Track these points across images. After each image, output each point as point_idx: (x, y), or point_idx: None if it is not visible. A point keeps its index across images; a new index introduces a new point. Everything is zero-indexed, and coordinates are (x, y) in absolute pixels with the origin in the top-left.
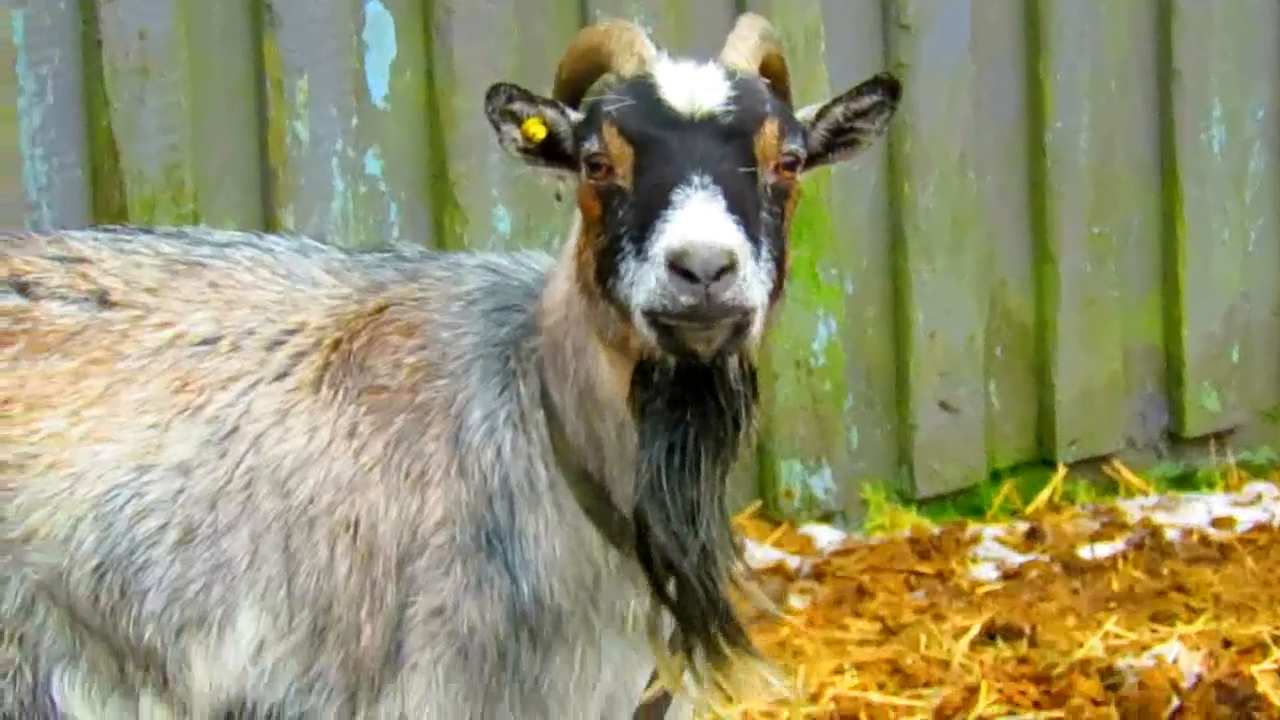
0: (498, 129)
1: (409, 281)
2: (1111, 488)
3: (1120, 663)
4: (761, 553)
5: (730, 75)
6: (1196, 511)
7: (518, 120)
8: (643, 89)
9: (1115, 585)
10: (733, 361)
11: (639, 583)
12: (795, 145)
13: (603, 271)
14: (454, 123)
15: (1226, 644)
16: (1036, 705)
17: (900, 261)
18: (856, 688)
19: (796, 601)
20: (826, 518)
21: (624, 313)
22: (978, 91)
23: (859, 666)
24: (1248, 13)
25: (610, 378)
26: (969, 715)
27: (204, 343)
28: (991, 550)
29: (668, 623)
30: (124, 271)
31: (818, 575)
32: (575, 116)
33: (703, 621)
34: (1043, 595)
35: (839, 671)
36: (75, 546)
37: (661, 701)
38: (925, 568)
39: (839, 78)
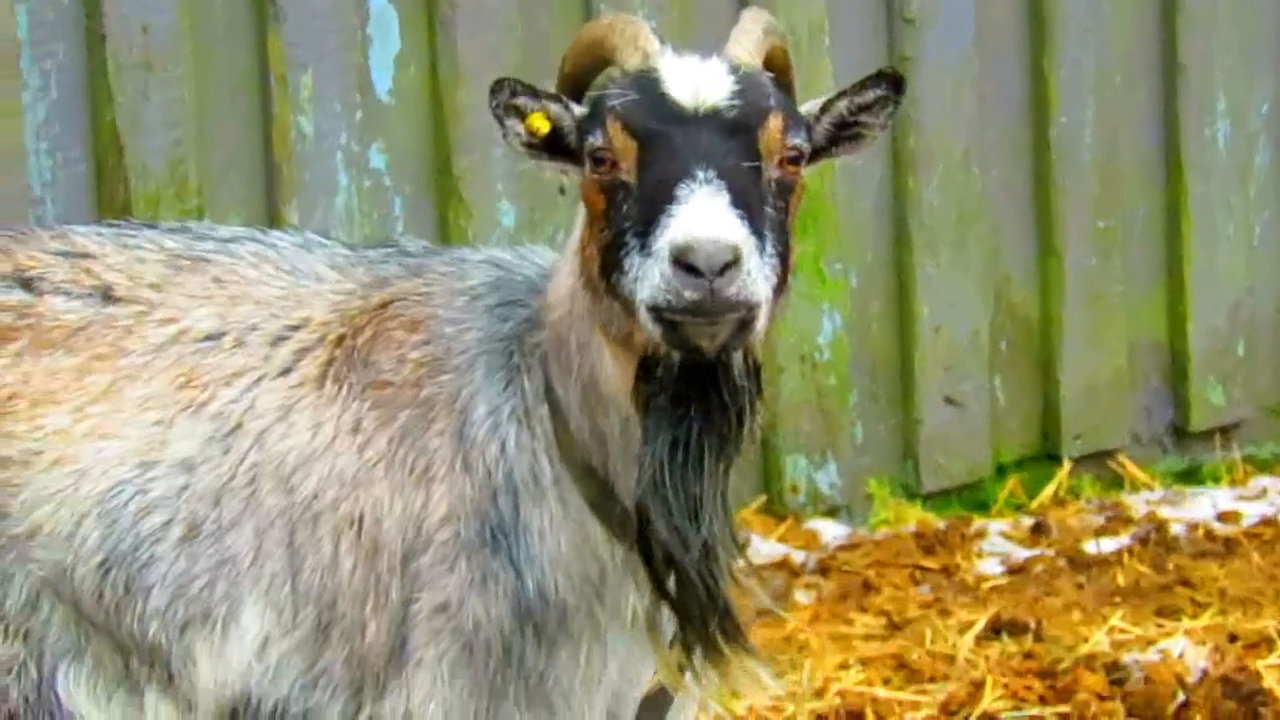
0: (502, 124)
1: (413, 277)
2: (1117, 482)
3: (1126, 658)
4: (766, 548)
5: (734, 70)
6: (1202, 506)
7: (521, 115)
8: (647, 83)
9: (1121, 580)
10: (737, 357)
11: (639, 578)
12: (799, 140)
13: (607, 266)
14: (458, 117)
15: (1232, 639)
16: (1042, 700)
17: (905, 256)
18: (862, 683)
19: (802, 596)
20: (831, 512)
21: (628, 308)
22: (982, 86)
23: (864, 661)
24: (1253, 7)
25: (614, 373)
26: (974, 710)
27: (208, 338)
28: (997, 545)
29: (667, 619)
30: (128, 267)
31: (823, 570)
32: (579, 111)
33: (702, 618)
34: (1048, 590)
35: (844, 666)
36: (80, 543)
37: (663, 697)
38: (930, 563)
39: (843, 72)
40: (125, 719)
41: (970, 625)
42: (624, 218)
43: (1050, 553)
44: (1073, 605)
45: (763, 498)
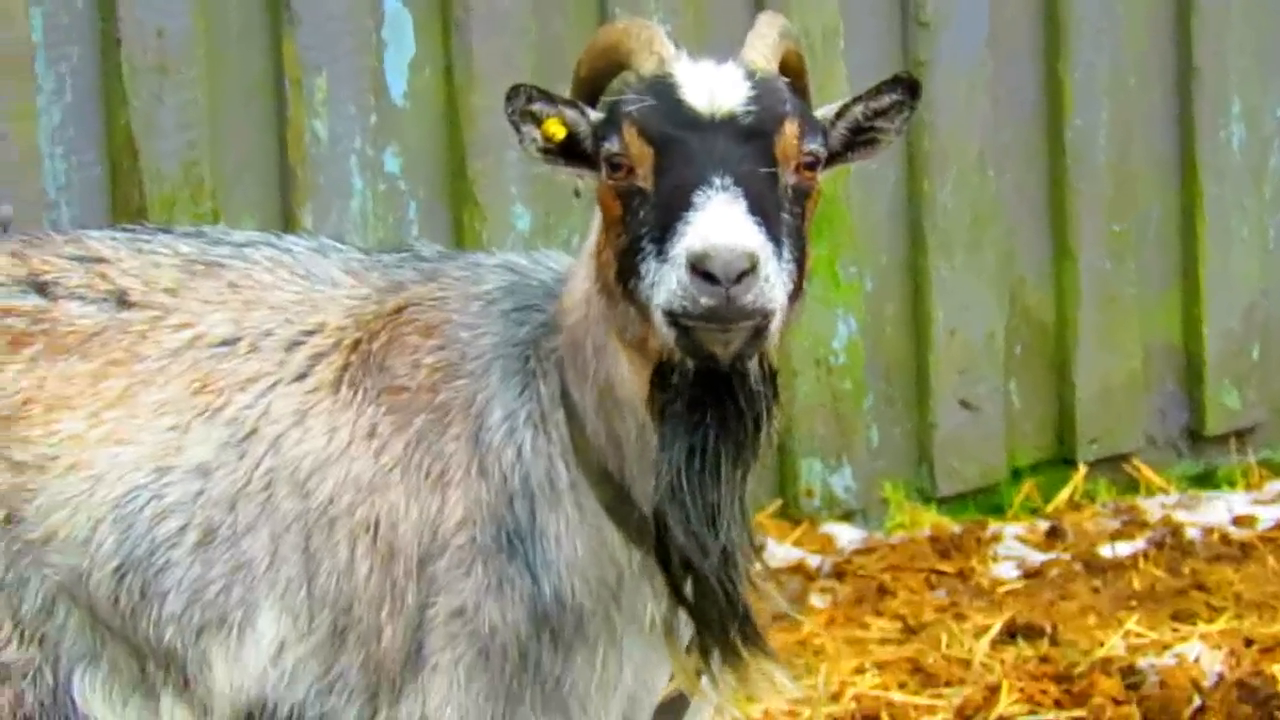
0: (518, 129)
1: (428, 281)
2: (1132, 486)
3: (1141, 662)
4: (782, 552)
5: (750, 75)
6: (1217, 510)
7: (537, 121)
8: (663, 89)
9: (1136, 584)
10: (753, 364)
11: (656, 583)
12: (815, 145)
13: (623, 271)
14: (472, 120)
15: (1248, 643)
16: (1058, 704)
17: (920, 259)
18: (877, 687)
19: (817, 601)
20: (847, 516)
21: (644, 313)
22: (996, 89)
23: (880, 666)
24: (1267, 9)
25: (630, 377)
26: (990, 714)
27: (223, 344)
28: (1012, 549)
29: (684, 623)
30: (142, 271)
31: (838, 574)
32: (595, 116)
33: (720, 624)
34: (1063, 594)
35: (860, 671)
36: (95, 548)
37: (679, 702)
38: (946, 566)
39: (857, 75)
40: None
41: (986, 629)
42: (640, 223)
43: (1065, 556)
44: (1088, 609)
45: (778, 501)
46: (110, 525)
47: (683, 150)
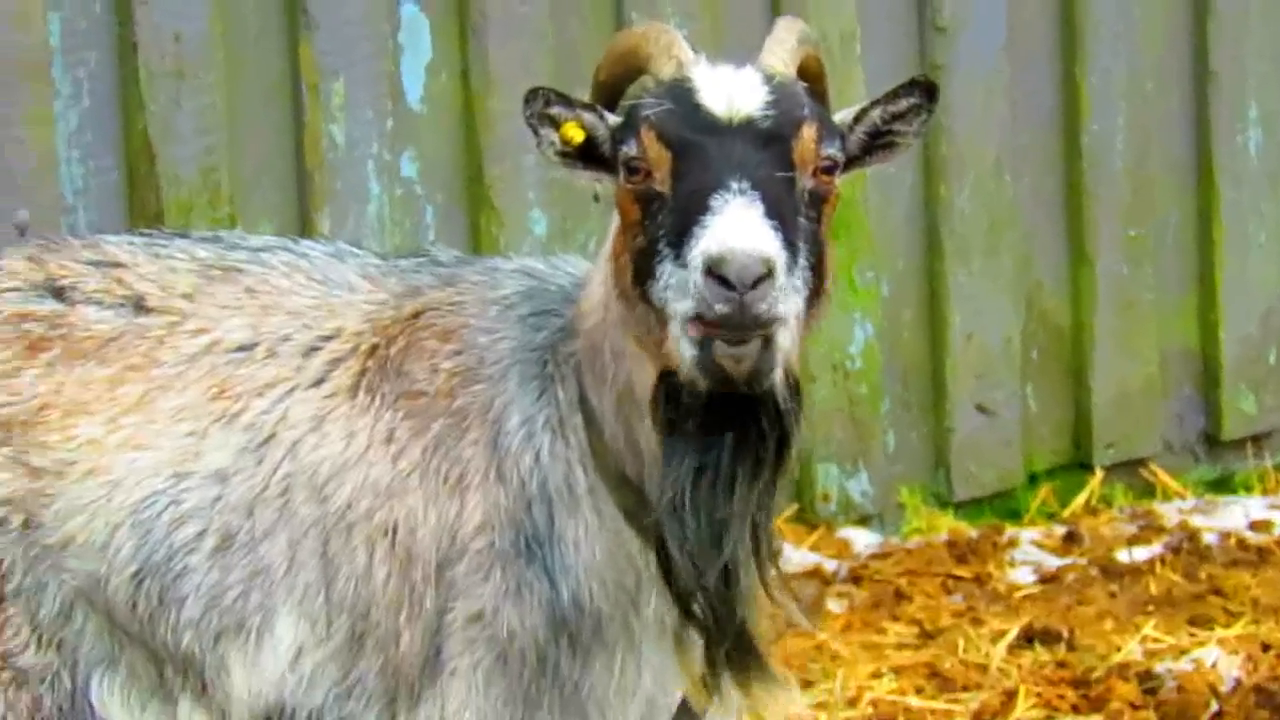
0: (536, 133)
1: (445, 286)
2: (1148, 491)
3: (1159, 667)
4: (798, 556)
5: (768, 79)
6: (1234, 515)
7: (555, 124)
8: (681, 93)
9: (1153, 589)
10: (777, 380)
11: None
12: (834, 150)
13: (640, 275)
14: (489, 125)
15: (1265, 648)
16: (1075, 709)
17: (936, 264)
18: (894, 692)
19: (834, 605)
20: (863, 521)
21: (660, 318)
22: (1013, 93)
23: (897, 670)
24: None
25: (648, 381)
26: (1007, 719)
27: (240, 349)
28: (1029, 554)
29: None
30: (160, 277)
31: (855, 579)
32: (613, 120)
33: (720, 640)
34: (1081, 599)
35: (877, 675)
36: (113, 553)
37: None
38: (963, 571)
39: (874, 80)
40: None
41: (1003, 634)
42: (658, 227)
43: (1083, 561)
44: (1105, 614)
45: (795, 506)
46: (128, 530)
47: (700, 154)
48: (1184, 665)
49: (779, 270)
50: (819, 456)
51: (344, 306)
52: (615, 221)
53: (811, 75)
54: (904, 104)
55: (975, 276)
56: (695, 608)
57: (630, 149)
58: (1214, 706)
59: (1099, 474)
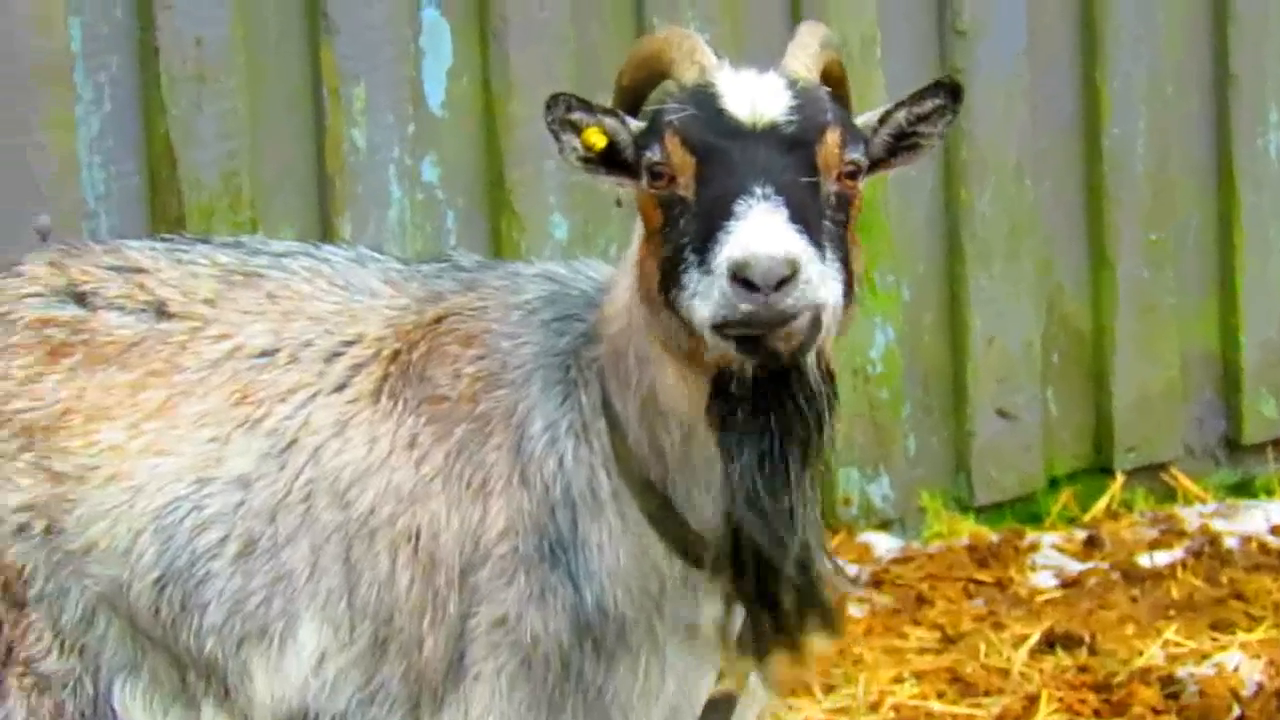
0: (558, 139)
1: (467, 291)
2: (1170, 495)
3: (1180, 671)
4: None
5: (792, 84)
6: (1255, 519)
7: (578, 130)
8: (704, 98)
9: (1174, 593)
10: (810, 362)
11: (706, 589)
12: (857, 154)
13: (665, 281)
14: (510, 129)
15: None
16: (1097, 714)
17: (957, 268)
18: (916, 696)
19: (855, 610)
20: (884, 525)
21: (687, 326)
22: (1034, 97)
23: (918, 675)
24: None
25: (674, 386)
26: None
27: (262, 354)
28: (1050, 558)
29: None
30: (181, 282)
31: (876, 583)
32: (636, 125)
33: (800, 618)
34: (1102, 603)
35: (898, 680)
36: (136, 559)
37: (726, 704)
38: (984, 576)
39: (895, 84)
40: None
41: (1024, 639)
42: (682, 233)
43: (1104, 566)
44: (1127, 618)
45: None
46: (151, 536)
47: (724, 159)
48: (1206, 670)
49: (804, 268)
50: (840, 461)
51: (366, 312)
52: (638, 227)
53: (834, 80)
54: (929, 105)
55: (996, 280)
56: (782, 598)
57: (654, 154)
58: (1236, 711)
59: (1120, 478)
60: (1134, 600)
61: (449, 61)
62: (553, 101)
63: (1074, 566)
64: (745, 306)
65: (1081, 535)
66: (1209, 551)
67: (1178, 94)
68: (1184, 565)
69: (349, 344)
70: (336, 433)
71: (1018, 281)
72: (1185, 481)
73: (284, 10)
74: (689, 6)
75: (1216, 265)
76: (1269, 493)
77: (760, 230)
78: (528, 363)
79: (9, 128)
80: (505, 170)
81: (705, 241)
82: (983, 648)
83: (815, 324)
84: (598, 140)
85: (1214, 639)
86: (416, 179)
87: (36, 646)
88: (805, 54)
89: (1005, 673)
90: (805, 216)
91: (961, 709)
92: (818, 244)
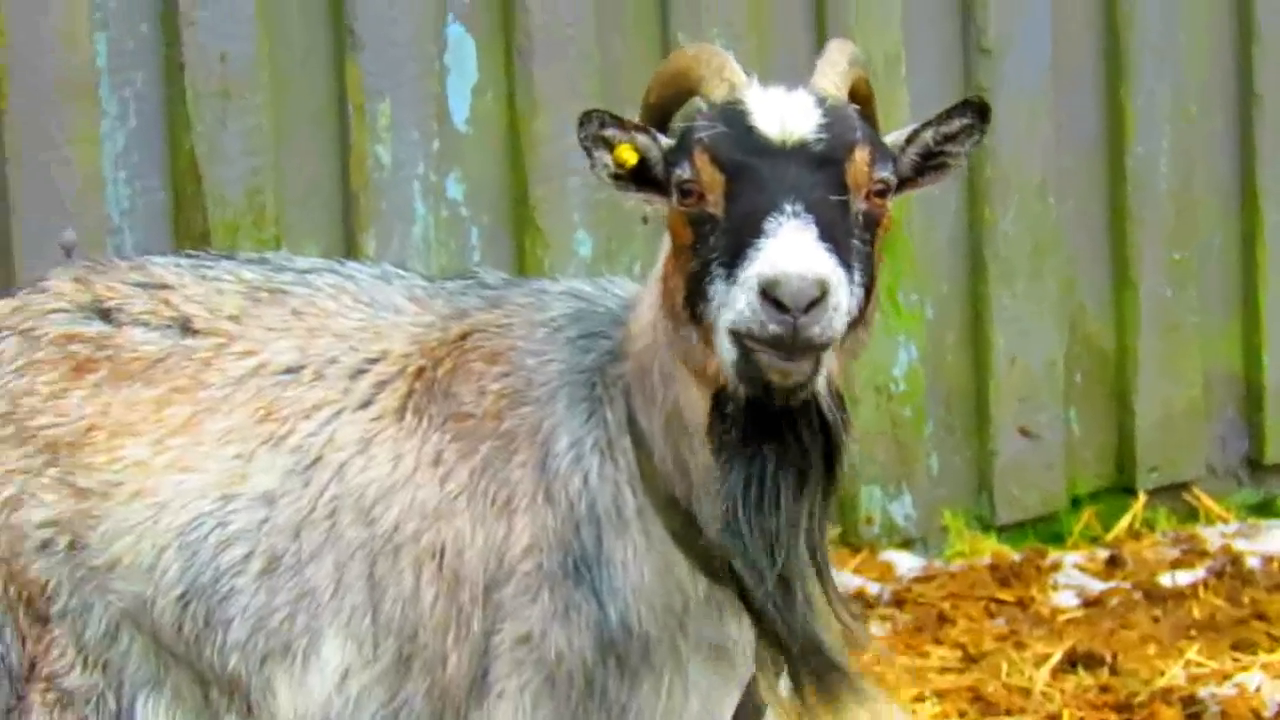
0: (590, 155)
1: (492, 308)
2: (1192, 515)
3: (1202, 691)
4: (841, 579)
5: (821, 102)
6: (1277, 539)
7: (610, 146)
8: (734, 116)
9: (1196, 613)
10: (820, 388)
11: (730, 607)
12: (886, 173)
13: (691, 297)
14: (535, 146)
15: None
16: None
17: (980, 287)
18: (938, 716)
19: (876, 629)
20: (906, 544)
21: (707, 336)
22: (1058, 116)
23: (940, 694)
24: None
25: (697, 404)
26: None
27: (287, 371)
28: (1072, 577)
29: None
30: (206, 299)
31: (898, 602)
32: (666, 142)
33: (798, 652)
34: (1124, 623)
35: (920, 699)
36: (159, 575)
37: (752, 715)
38: (1006, 595)
39: (919, 102)
40: None
41: (1046, 658)
42: (711, 250)
43: (1126, 585)
44: (1148, 638)
45: (838, 529)
46: (175, 552)
47: (754, 177)
48: (1227, 690)
49: (833, 291)
50: (862, 479)
51: (390, 329)
52: (666, 244)
53: (862, 98)
54: (956, 125)
55: (1019, 299)
56: (766, 622)
57: (683, 172)
58: None
59: (1142, 497)
60: (1156, 620)
61: (474, 78)
62: (586, 118)
63: (1096, 586)
64: (774, 328)
65: (1103, 555)
66: (1231, 571)
67: (1202, 113)
68: (1206, 585)
69: (374, 361)
70: (361, 449)
71: (1041, 300)
72: (1207, 501)
73: (309, 26)
74: (714, 23)
75: (1240, 285)
76: None
77: (791, 248)
78: (553, 380)
79: (35, 143)
80: (530, 187)
81: (734, 258)
82: (1004, 667)
83: (817, 365)
84: (630, 157)
85: (1235, 659)
86: (441, 195)
87: (60, 662)
88: (834, 71)
89: (1027, 692)
90: (834, 235)
91: None
92: (846, 264)
